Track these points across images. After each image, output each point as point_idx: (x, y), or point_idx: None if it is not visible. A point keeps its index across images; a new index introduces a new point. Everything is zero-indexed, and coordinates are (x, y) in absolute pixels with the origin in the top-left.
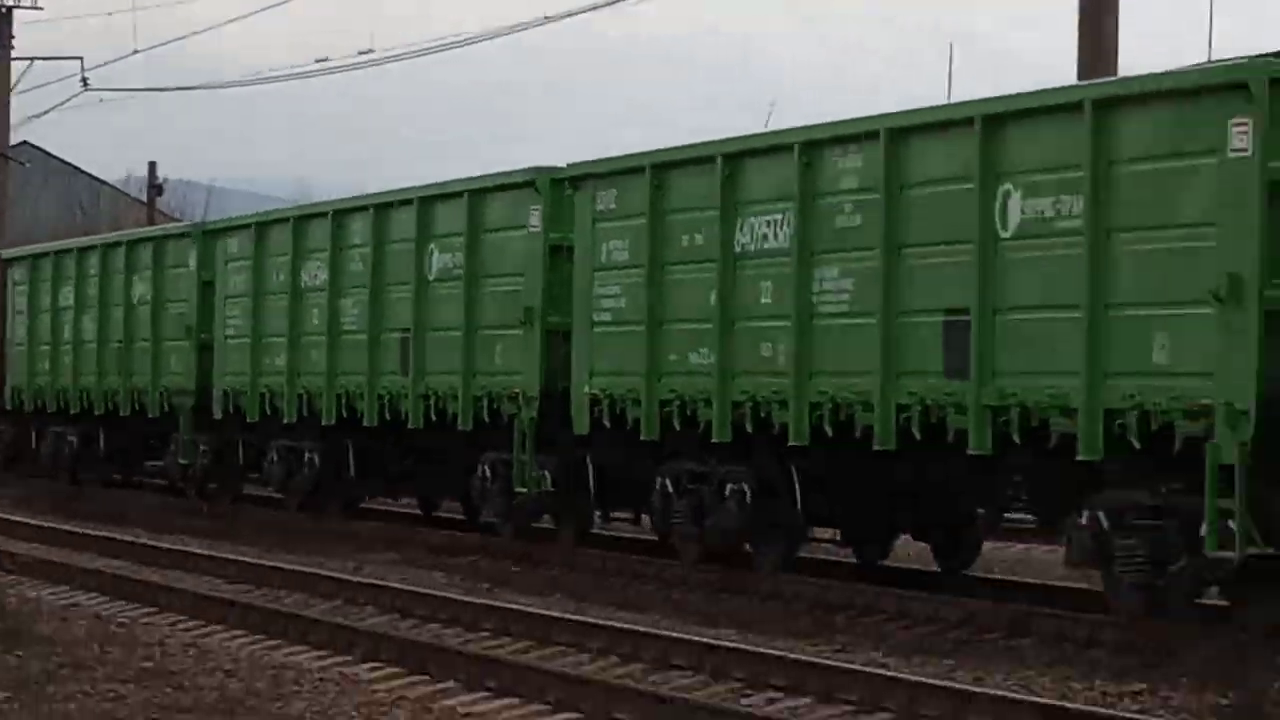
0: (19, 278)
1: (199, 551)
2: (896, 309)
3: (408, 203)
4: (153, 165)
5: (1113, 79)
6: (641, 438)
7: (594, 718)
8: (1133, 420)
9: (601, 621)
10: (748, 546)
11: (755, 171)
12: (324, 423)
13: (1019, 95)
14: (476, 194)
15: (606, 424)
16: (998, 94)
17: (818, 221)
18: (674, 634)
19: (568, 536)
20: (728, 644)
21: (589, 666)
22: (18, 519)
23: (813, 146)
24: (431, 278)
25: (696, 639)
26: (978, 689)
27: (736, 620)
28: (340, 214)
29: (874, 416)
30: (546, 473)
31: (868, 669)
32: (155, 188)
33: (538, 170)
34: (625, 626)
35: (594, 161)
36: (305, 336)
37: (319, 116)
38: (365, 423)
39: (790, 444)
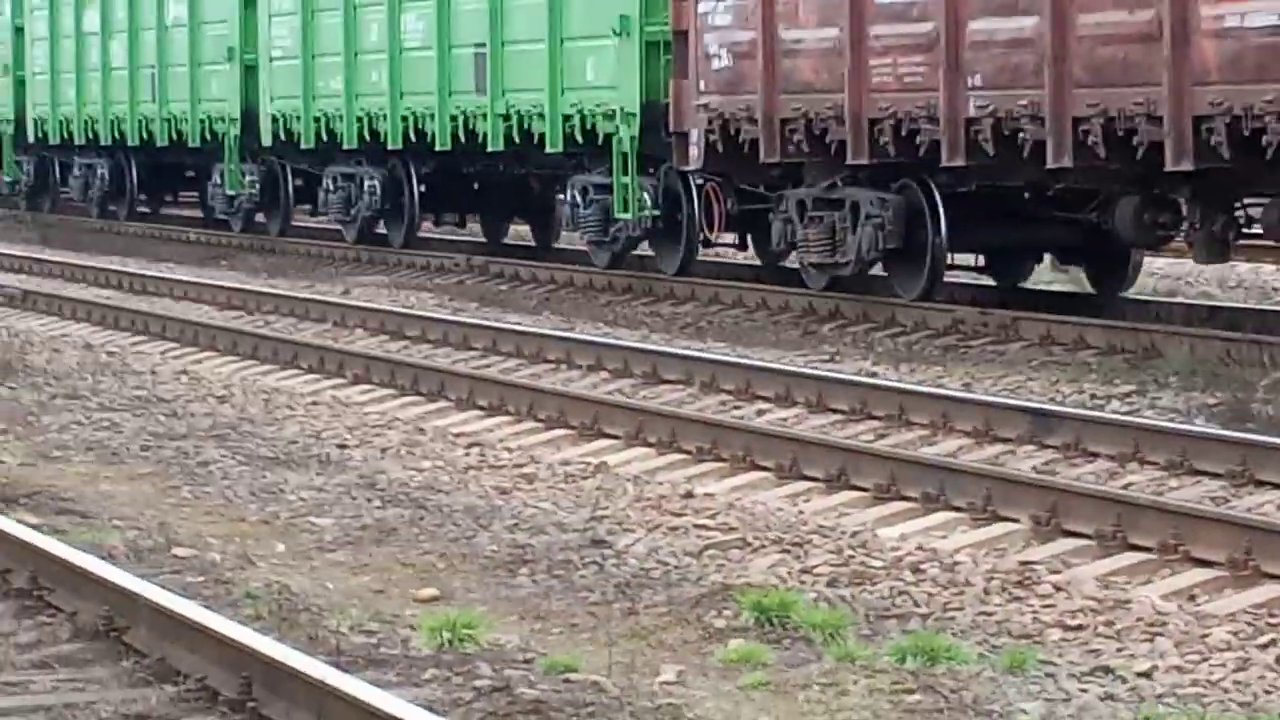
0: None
1: (188, 279)
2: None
3: None
4: None
5: None
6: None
7: (584, 433)
8: (577, 122)
9: (590, 337)
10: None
11: None
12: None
13: None
14: None
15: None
16: None
17: None
18: (663, 348)
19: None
20: (715, 356)
21: (579, 383)
22: (2, 250)
23: None
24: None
25: (685, 352)
26: (966, 394)
27: (725, 334)
28: None
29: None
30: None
31: (856, 377)
32: None
33: None
34: (614, 342)
35: None
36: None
37: None
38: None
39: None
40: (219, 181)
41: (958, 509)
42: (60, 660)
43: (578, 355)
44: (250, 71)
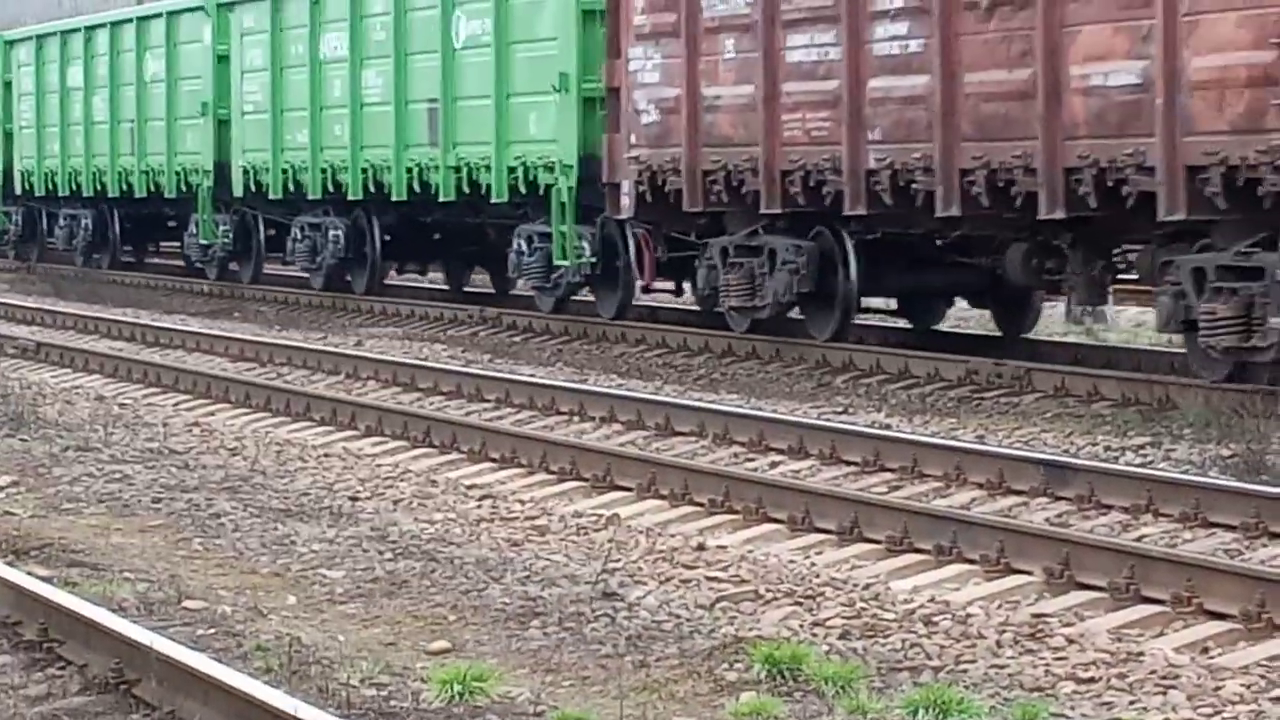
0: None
1: (201, 330)
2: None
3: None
4: None
5: None
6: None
7: (597, 485)
8: (520, 174)
9: (603, 389)
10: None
11: None
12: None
13: None
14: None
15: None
16: None
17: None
18: (676, 400)
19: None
20: (729, 408)
21: (592, 434)
22: (15, 302)
23: None
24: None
25: (698, 404)
26: (980, 446)
27: (739, 385)
28: (91, 30)
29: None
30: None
31: (870, 429)
32: None
33: None
34: (627, 393)
35: None
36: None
37: None
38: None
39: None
40: (194, 231)
41: (971, 561)
42: (70, 713)
43: (591, 407)
44: (224, 126)
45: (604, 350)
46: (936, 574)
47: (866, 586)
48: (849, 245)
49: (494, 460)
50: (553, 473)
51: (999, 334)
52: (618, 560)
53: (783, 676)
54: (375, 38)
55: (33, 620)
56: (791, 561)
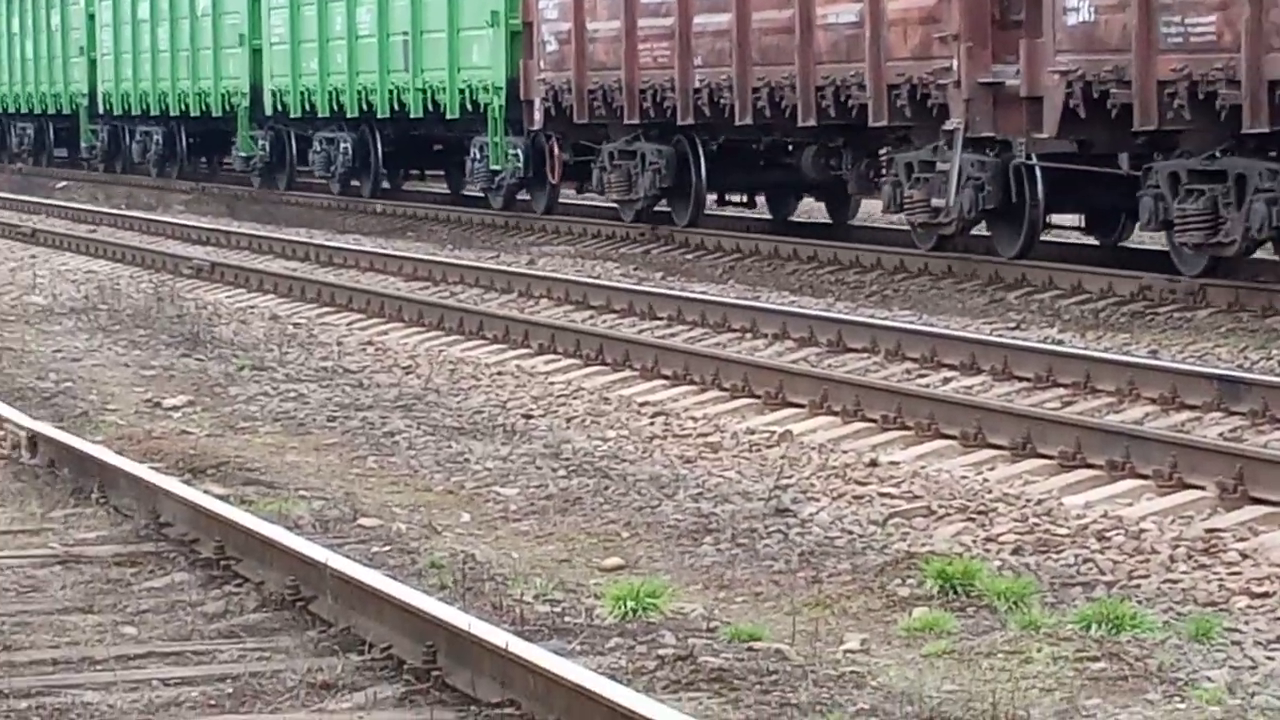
0: None
1: (374, 250)
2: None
3: None
4: None
5: None
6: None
7: (769, 402)
8: (467, 94)
9: (776, 306)
10: None
11: None
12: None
13: None
14: None
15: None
16: None
17: None
18: (848, 316)
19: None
20: (901, 324)
21: (764, 352)
22: (190, 223)
23: None
24: (198, 13)
25: (870, 320)
26: (1152, 361)
27: (911, 301)
28: None
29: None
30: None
31: (1042, 345)
32: None
33: None
34: (799, 310)
35: None
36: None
37: None
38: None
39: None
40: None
41: (1144, 476)
42: (246, 630)
43: (763, 324)
44: (256, 54)
45: (775, 267)
46: (1109, 489)
47: (1039, 502)
48: (700, 151)
49: (666, 378)
50: (725, 390)
51: (1166, 249)
52: (790, 477)
53: (955, 592)
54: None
55: (209, 538)
56: (964, 478)
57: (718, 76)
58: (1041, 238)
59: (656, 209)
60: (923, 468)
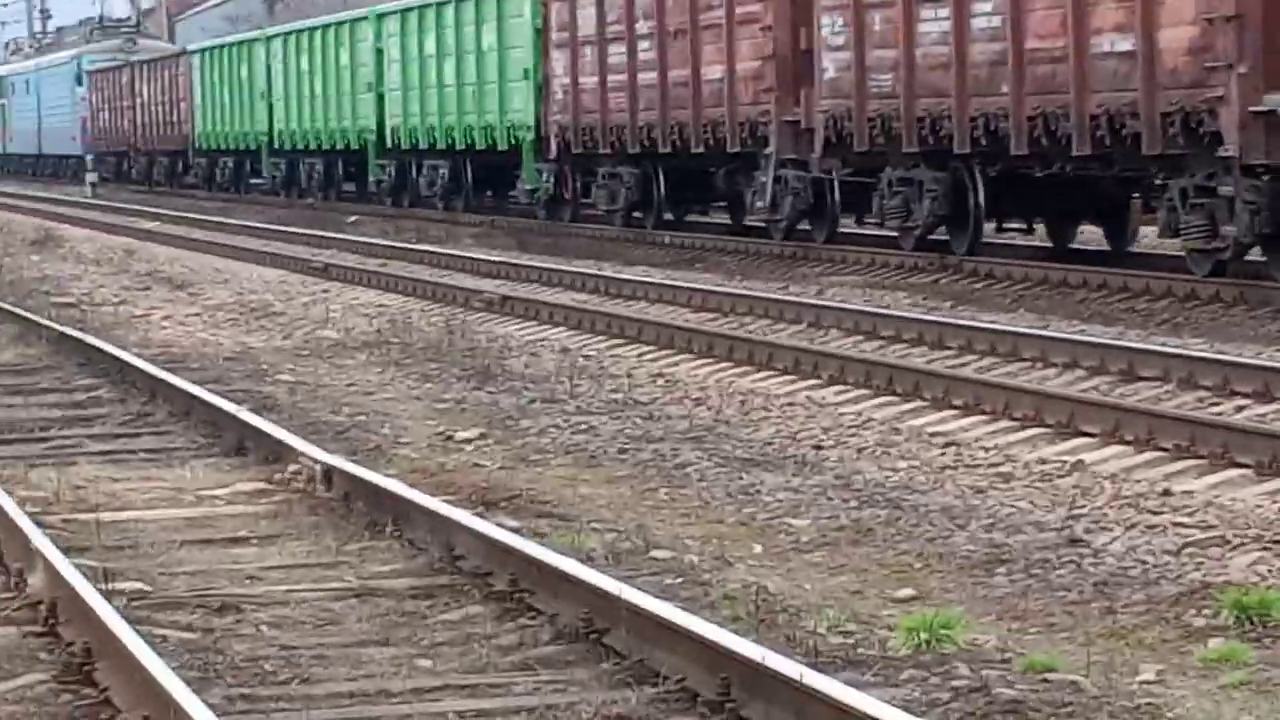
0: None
1: (663, 281)
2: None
3: (464, 4)
4: None
5: None
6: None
7: (1061, 431)
8: (509, 131)
9: (1066, 335)
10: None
11: None
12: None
13: None
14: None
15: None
16: None
17: None
18: (1140, 345)
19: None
20: (1193, 353)
21: (1054, 381)
22: (480, 256)
23: None
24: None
25: (1161, 349)
26: None
27: (1202, 329)
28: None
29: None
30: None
31: None
32: None
33: None
34: (1089, 339)
35: None
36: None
37: None
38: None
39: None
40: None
41: None
42: (541, 662)
43: (1053, 353)
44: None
45: (1064, 296)
46: None
47: None
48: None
49: (957, 407)
50: (1016, 419)
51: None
52: (1082, 506)
53: (1251, 622)
54: (447, 40)
55: (503, 571)
56: (1259, 507)
57: (684, 117)
58: None
59: (934, 236)
60: (1216, 497)
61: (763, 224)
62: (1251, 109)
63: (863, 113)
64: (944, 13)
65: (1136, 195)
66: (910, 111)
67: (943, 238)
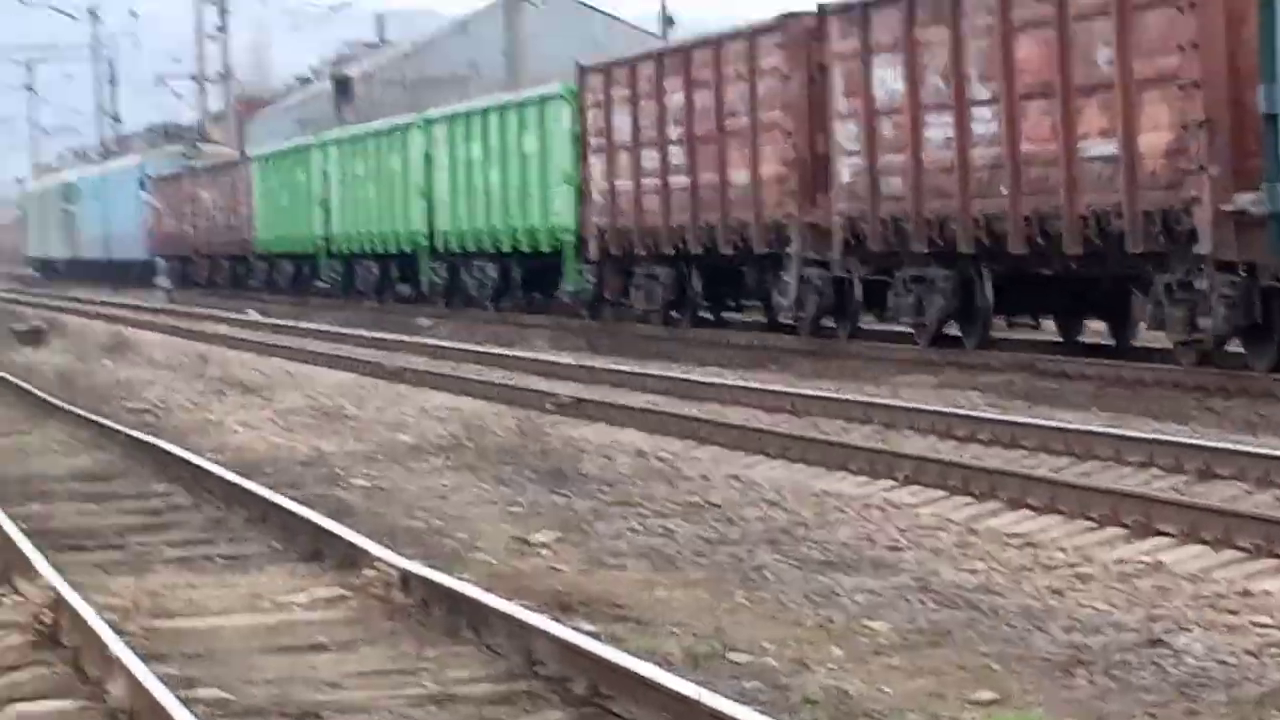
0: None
1: (736, 383)
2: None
3: (506, 111)
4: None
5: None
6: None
7: (1138, 531)
8: (550, 233)
9: (1142, 434)
10: None
11: None
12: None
13: None
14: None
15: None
16: None
17: None
18: (1215, 444)
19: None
20: (1271, 451)
21: (1130, 480)
22: (553, 359)
23: None
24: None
25: (1238, 448)
26: None
27: (1276, 428)
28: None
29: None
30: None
31: None
32: (668, 20)
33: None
34: (1167, 439)
35: None
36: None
37: None
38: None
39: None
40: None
41: None
42: None
43: (1128, 452)
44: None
45: (1137, 394)
46: None
47: None
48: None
49: (1033, 508)
50: (1092, 519)
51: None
52: (1162, 607)
53: None
54: (492, 145)
55: (582, 676)
56: None
57: (714, 219)
58: None
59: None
60: None
61: (790, 321)
62: (1223, 208)
63: (876, 214)
64: (947, 118)
65: (1133, 291)
66: (919, 213)
67: (956, 333)
